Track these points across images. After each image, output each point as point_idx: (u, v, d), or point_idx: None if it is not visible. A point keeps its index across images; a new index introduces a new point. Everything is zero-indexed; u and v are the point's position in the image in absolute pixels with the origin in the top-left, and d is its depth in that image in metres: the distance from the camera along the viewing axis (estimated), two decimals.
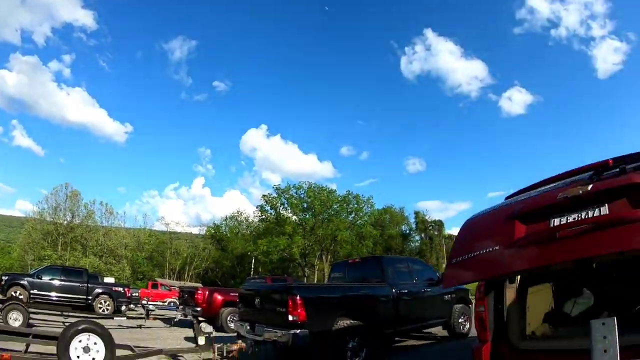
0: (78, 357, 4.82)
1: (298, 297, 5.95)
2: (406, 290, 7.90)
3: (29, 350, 5.61)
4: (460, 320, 9.23)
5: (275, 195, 52.52)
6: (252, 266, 49.76)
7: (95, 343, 4.93)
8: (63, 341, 4.80)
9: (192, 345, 6.56)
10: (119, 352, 5.84)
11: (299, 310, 5.88)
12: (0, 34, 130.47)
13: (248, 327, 6.87)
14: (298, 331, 5.79)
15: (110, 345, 5.04)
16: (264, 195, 53.50)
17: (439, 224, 72.37)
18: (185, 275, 53.59)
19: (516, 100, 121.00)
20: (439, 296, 8.86)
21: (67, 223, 47.93)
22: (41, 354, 5.67)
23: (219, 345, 6.25)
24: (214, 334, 6.49)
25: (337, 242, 50.82)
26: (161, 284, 32.02)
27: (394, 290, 7.50)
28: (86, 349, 4.87)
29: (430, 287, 8.60)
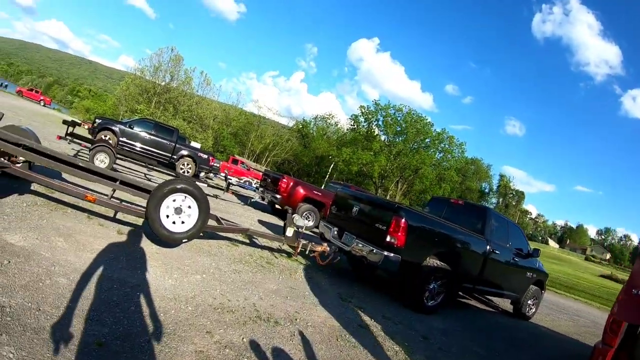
0: (167, 216, 4.55)
1: (403, 220, 5.56)
2: (499, 252, 7.30)
3: (113, 196, 5.26)
4: (529, 302, 8.72)
5: (372, 109, 51.85)
6: (329, 171, 50.48)
7: (189, 207, 4.65)
8: (156, 196, 4.49)
9: (277, 234, 6.47)
10: None
11: (399, 234, 5.53)
12: None
13: (335, 233, 6.69)
14: (392, 255, 5.50)
15: (204, 212, 4.71)
16: (361, 106, 53.07)
17: (520, 195, 68.42)
18: (263, 160, 55.90)
19: None
20: (523, 270, 8.28)
21: (164, 84, 50.49)
22: (126, 202, 5.57)
23: (304, 242, 6.24)
24: (304, 229, 6.32)
25: (417, 175, 49.94)
26: (241, 162, 33.22)
27: (488, 247, 6.97)
28: (178, 210, 4.59)
29: (518, 258, 7.98)
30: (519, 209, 63.65)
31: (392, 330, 4.79)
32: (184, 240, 4.78)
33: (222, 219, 5.95)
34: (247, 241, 6.75)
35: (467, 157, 57.38)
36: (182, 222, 4.63)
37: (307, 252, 6.34)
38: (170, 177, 11.99)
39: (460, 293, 8.07)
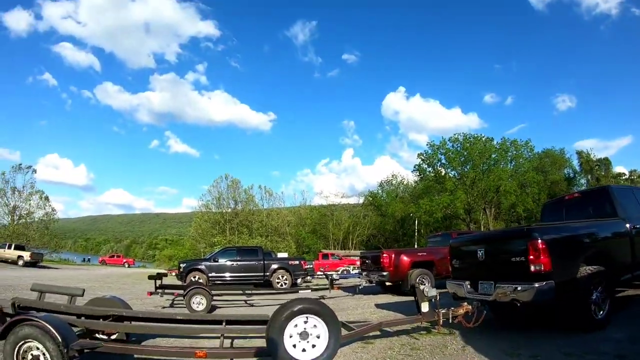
0: (294, 345, 3.92)
1: (540, 241, 4.90)
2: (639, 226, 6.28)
3: (225, 339, 4.44)
4: None
5: (430, 152, 51.10)
6: (416, 227, 48.75)
7: (314, 326, 4.04)
8: (275, 326, 3.90)
9: (413, 314, 5.84)
10: None
11: (542, 257, 4.83)
12: (138, 62, 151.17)
13: (469, 286, 6.05)
14: (544, 284, 4.78)
15: (334, 327, 4.09)
16: (419, 154, 52.34)
17: (606, 162, 63.28)
18: (349, 244, 55.29)
19: None
20: None
21: (231, 210, 53.12)
22: (242, 346, 4.70)
23: (443, 311, 5.62)
24: (438, 297, 5.64)
25: (500, 193, 47.45)
26: (331, 254, 32.95)
27: (628, 226, 6.06)
28: (304, 335, 3.98)
29: None
30: (611, 176, 57.94)
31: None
32: None
33: (348, 322, 5.39)
34: (379, 333, 6.05)
35: (537, 152, 54.17)
36: (314, 346, 4.01)
37: (450, 321, 5.66)
38: (282, 300, 11.35)
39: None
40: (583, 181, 60.52)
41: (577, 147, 78.06)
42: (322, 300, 4.18)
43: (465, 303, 5.75)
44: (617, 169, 60.89)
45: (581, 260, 5.25)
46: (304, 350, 3.93)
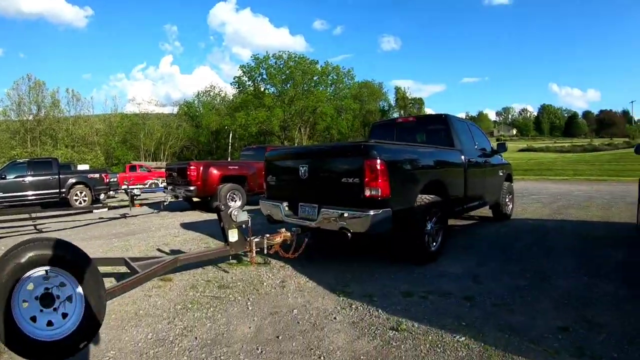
0: (34, 318, 2.31)
1: (379, 161, 4.04)
2: (474, 160, 6.32)
3: None
4: (506, 200, 8.01)
5: (253, 65, 49.54)
6: (230, 140, 47.80)
7: (62, 284, 2.41)
8: None
9: (217, 245, 4.88)
10: (108, 281, 3.95)
11: (379, 181, 4.02)
12: None
13: (287, 209, 5.04)
14: (380, 211, 4.01)
15: (92, 281, 2.49)
16: (241, 66, 50.71)
17: (420, 102, 71.85)
18: (161, 156, 51.79)
19: None
20: (495, 170, 7.47)
21: (32, 117, 43.62)
22: None
23: (257, 239, 4.48)
24: (249, 222, 4.49)
25: (316, 114, 49.65)
26: (139, 166, 29.91)
27: (463, 158, 5.91)
28: (46, 300, 2.36)
29: (488, 158, 7.11)
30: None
31: (419, 301, 3.50)
32: (81, 347, 2.41)
33: (134, 258, 3.89)
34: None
35: (357, 81, 58.07)
36: (65, 316, 2.40)
37: (265, 251, 4.56)
38: (81, 223, 9.09)
39: None
40: (396, 114, 68.05)
41: (393, 85, 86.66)
42: (67, 241, 2.54)
43: (284, 230, 4.76)
44: (428, 110, 69.72)
45: (420, 187, 4.71)
46: (50, 323, 2.35)
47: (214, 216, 7.62)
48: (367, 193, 4.03)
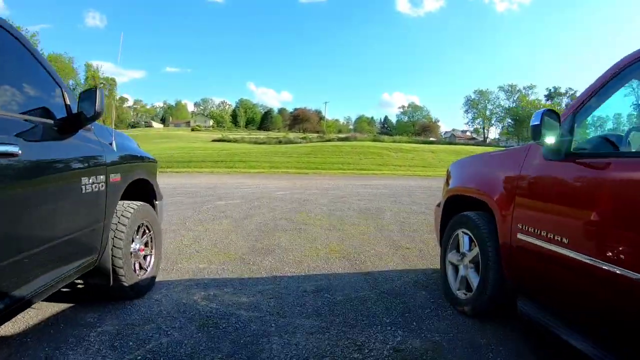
0: None
1: None
2: None
3: None
4: (132, 248, 2.97)
5: None
6: None
7: None
8: None
9: None
10: None
11: None
12: None
13: None
14: None
15: None
16: None
17: (111, 82, 66.81)
18: None
19: None
20: (74, 174, 1.98)
21: None
22: None
23: None
24: None
25: None
26: None
27: None
28: None
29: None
30: (113, 97, 61.71)
31: None
32: None
33: None
34: None
35: (46, 54, 51.67)
36: None
37: None
38: None
39: None
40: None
41: (95, 64, 75.86)
42: None
43: None
44: (125, 95, 65.56)
45: None
46: None
47: None
48: None
